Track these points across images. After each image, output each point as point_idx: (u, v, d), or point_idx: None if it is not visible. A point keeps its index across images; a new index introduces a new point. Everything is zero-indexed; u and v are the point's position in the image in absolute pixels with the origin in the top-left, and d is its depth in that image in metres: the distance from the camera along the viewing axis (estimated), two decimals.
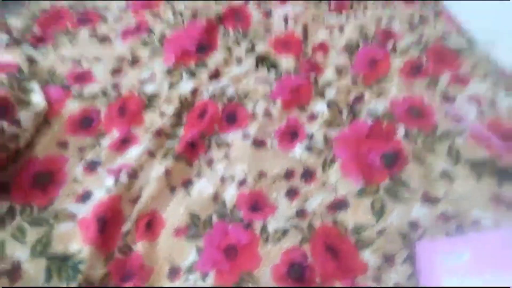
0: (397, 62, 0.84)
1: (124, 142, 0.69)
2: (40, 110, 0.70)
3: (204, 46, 0.89)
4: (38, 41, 0.86)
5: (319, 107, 0.77)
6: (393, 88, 0.79)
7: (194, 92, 0.79)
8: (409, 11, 0.97)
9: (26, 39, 0.85)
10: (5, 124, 0.63)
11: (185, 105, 0.77)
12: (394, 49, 0.87)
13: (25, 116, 0.67)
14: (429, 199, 0.61)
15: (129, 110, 0.75)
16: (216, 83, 0.81)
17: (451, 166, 0.65)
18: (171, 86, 0.80)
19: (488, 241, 0.54)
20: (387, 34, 0.91)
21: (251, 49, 0.90)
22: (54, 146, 0.67)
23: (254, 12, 0.99)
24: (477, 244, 0.54)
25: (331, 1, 1.03)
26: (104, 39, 0.89)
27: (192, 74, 0.83)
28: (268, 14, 1.00)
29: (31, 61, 0.80)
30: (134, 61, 0.85)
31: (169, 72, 0.83)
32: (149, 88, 0.79)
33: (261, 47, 0.90)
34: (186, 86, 0.80)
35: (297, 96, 0.79)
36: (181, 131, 0.72)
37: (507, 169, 0.63)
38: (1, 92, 0.69)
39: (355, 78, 0.82)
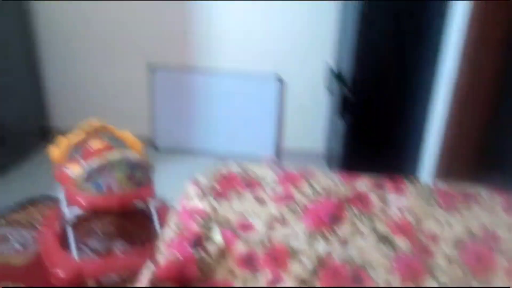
0: (502, 262, 0.99)
1: (275, 281, 0.91)
2: (219, 246, 0.97)
3: (335, 219, 1.14)
4: (218, 195, 1.19)
5: (432, 285, 0.92)
6: (500, 283, 0.93)
7: (327, 253, 1.01)
8: (510, 220, 1.16)
9: (211, 193, 1.20)
10: (200, 250, 0.90)
11: (320, 262, 0.98)
12: (499, 250, 1.03)
13: (210, 247, 0.94)
14: None
15: (278, 257, 0.98)
16: (345, 249, 1.03)
17: None
18: (310, 245, 1.04)
19: None
20: (492, 236, 1.09)
21: (372, 227, 1.12)
22: (227, 273, 0.91)
23: (375, 198, 1.25)
24: None
25: (440, 199, 1.26)
26: (262, 201, 1.19)
27: (326, 238, 1.06)
28: (386, 201, 1.25)
29: (214, 209, 1.12)
30: (283, 221, 1.12)
31: (308, 234, 1.07)
32: (293, 243, 1.03)
33: (381, 227, 1.12)
34: (321, 247, 1.03)
35: (412, 272, 0.96)
36: (317, 282, 0.92)
37: None
38: (197, 230, 0.99)
39: (464, 268, 0.98)
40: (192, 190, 1.20)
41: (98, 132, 1.93)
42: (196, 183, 1.24)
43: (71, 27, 2.90)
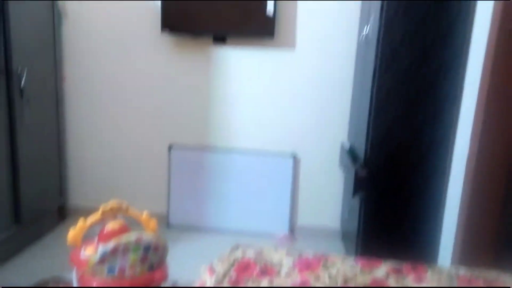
0: None
1: None
2: None
3: None
4: (234, 283, 1.17)
5: None
6: None
7: None
8: None
9: (226, 281, 1.18)
10: None
11: None
12: None
13: None
14: None
15: None
16: None
17: None
18: None
19: None
20: None
21: None
22: None
23: (394, 285, 1.21)
24: None
25: (461, 285, 1.22)
26: None
27: None
28: None
29: None
30: None
31: None
32: None
33: None
34: None
35: None
36: None
37: None
38: None
39: None
40: (207, 277, 1.19)
41: (114, 212, 1.95)
42: (211, 270, 1.23)
43: (94, 110, 3.07)
